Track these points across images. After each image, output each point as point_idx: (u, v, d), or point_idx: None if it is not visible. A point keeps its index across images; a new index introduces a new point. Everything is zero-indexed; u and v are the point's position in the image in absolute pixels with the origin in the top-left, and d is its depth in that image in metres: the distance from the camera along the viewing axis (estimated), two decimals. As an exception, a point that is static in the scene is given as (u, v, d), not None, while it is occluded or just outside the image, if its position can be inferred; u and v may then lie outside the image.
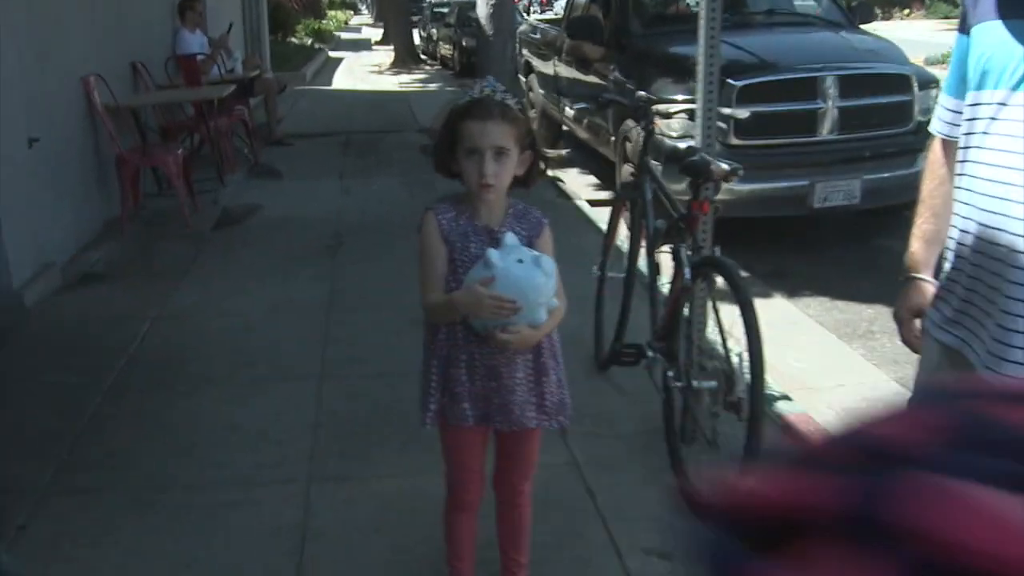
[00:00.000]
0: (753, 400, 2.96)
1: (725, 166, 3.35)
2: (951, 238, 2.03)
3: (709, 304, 3.52)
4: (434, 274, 2.46)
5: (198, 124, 8.71)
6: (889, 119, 7.25)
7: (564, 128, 11.06)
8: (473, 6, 24.05)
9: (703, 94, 3.73)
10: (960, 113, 2.09)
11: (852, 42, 7.94)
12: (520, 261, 2.27)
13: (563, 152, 3.39)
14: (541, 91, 11.25)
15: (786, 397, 4.33)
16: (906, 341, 2.24)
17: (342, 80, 19.96)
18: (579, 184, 9.49)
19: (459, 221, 2.46)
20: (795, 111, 6.93)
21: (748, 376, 3.07)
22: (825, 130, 7.00)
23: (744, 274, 3.26)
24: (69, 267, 6.04)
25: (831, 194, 6.91)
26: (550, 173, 9.58)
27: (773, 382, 3.98)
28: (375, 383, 4.46)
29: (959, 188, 2.01)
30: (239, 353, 4.84)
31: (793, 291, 6.25)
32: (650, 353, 3.71)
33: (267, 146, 10.73)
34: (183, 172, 7.37)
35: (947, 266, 2.04)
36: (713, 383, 3.27)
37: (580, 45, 9.44)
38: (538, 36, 11.68)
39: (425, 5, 36.02)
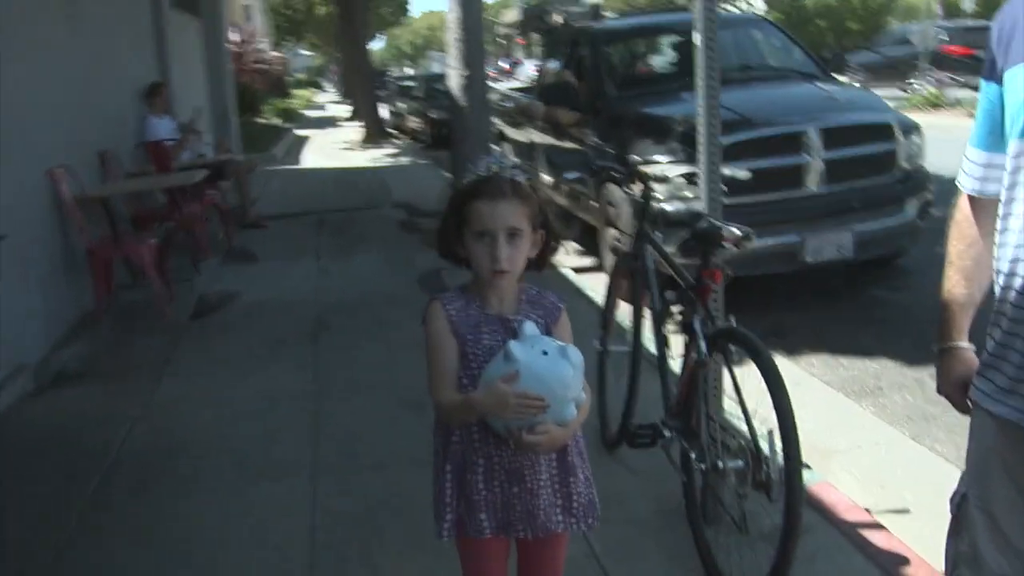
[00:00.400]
0: (790, 482, 2.74)
1: (737, 231, 3.16)
2: (1001, 300, 1.84)
3: (725, 377, 3.30)
4: (445, 371, 2.24)
5: (171, 211, 8.50)
6: (875, 168, 7.13)
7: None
8: (439, 78, 24.19)
9: (706, 155, 3.55)
10: (993, 167, 1.94)
11: (831, 93, 7.85)
12: (544, 353, 2.06)
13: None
14: (515, 159, 11.12)
15: (805, 465, 4.10)
16: (965, 411, 2.05)
17: (312, 158, 19.82)
18: (561, 251, 9.29)
19: (468, 311, 2.25)
20: (781, 166, 6.79)
21: (780, 454, 2.86)
22: (812, 183, 6.87)
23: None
24: (42, 367, 5.76)
25: (823, 248, 6.76)
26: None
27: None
28: (372, 477, 4.21)
29: (1004, 245, 1.84)
30: (227, 450, 4.58)
31: (793, 349, 6.05)
32: (667, 433, 3.49)
33: (241, 229, 10.52)
34: (157, 261, 7.14)
35: (996, 331, 1.84)
36: (739, 463, 3.04)
37: (555, 111, 9.35)
38: (510, 104, 11.61)
39: (389, 80, 36.16)
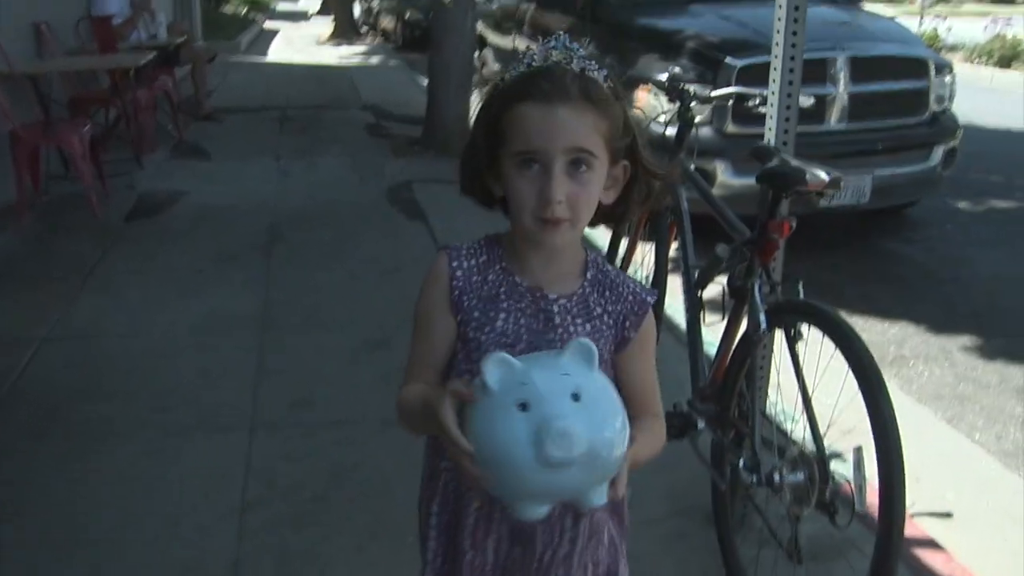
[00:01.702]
0: (890, 516, 2.05)
1: (824, 174, 2.43)
2: None
3: (779, 362, 2.59)
4: (421, 357, 1.54)
5: (113, 96, 7.60)
6: (903, 108, 6.48)
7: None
8: None
9: (782, 75, 2.81)
10: None
11: (859, 20, 7.12)
12: (575, 398, 1.25)
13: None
14: (497, 66, 10.32)
15: (836, 455, 3.42)
16: None
17: (279, 52, 18.79)
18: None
19: (487, 275, 1.53)
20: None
21: (862, 473, 2.17)
22: (834, 119, 6.18)
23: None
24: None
25: (840, 191, 6.06)
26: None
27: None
28: (323, 436, 3.47)
29: None
30: (150, 390, 3.81)
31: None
32: (701, 425, 2.78)
33: (194, 122, 9.66)
34: (90, 152, 6.30)
35: None
36: (800, 476, 2.35)
37: (545, 15, 8.55)
38: (494, 6, 10.76)
39: (365, -25, 34.92)
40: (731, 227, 2.84)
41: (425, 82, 10.22)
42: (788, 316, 2.45)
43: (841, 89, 6.13)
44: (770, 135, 3.01)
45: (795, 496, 2.37)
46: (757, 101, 3.18)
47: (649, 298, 1.55)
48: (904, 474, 2.06)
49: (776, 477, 2.39)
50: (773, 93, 2.95)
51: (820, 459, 2.32)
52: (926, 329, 5.10)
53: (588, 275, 1.54)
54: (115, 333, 4.40)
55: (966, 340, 4.96)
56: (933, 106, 6.57)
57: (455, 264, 1.53)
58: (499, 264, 1.52)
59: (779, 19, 2.98)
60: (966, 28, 18.32)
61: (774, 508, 2.52)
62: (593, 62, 1.44)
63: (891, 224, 7.02)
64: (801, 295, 2.47)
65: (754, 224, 2.64)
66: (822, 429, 2.40)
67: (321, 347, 4.24)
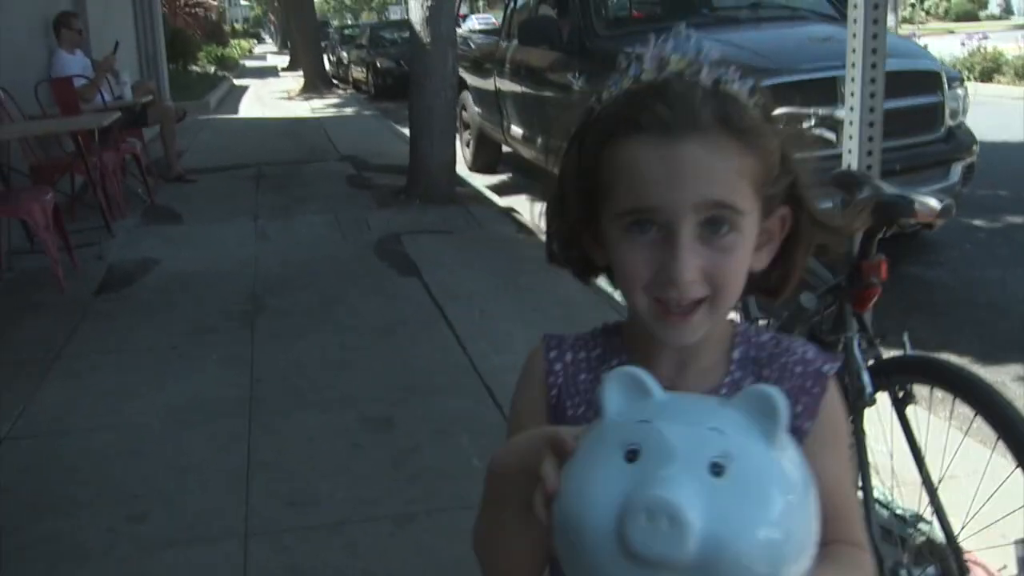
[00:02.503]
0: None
1: (934, 202, 2.01)
2: None
3: (890, 429, 2.15)
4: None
5: (78, 161, 7.16)
6: (917, 125, 6.12)
7: (504, 150, 9.94)
8: (386, 27, 23.11)
9: (862, 88, 2.40)
10: None
11: (862, 36, 6.76)
12: (716, 469, 0.78)
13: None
14: (477, 109, 9.99)
15: (919, 518, 2.94)
16: None
17: (250, 108, 18.43)
18: (536, 214, 8.12)
19: (599, 373, 1.08)
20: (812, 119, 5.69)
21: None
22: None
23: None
24: None
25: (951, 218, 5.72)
26: (500, 202, 8.29)
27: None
28: (326, 540, 2.99)
29: None
30: (123, 496, 3.28)
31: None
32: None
33: (165, 184, 9.21)
34: (55, 222, 5.84)
35: None
36: (931, 571, 1.90)
37: (529, 52, 8.21)
38: (472, 48, 10.43)
39: (332, 30, 34.97)
40: (807, 270, 2.40)
41: (403, 130, 9.87)
42: (897, 376, 2.02)
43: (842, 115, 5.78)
44: (850, 158, 2.59)
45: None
46: (813, 122, 2.78)
47: (827, 367, 1.09)
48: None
49: (902, 574, 1.94)
50: (852, 109, 2.54)
51: (955, 549, 1.88)
52: (971, 361, 4.68)
53: (735, 355, 1.10)
54: (82, 427, 3.87)
55: (1018, 369, 4.56)
56: (948, 121, 6.27)
57: (553, 355, 1.13)
58: (617, 359, 1.08)
59: (854, 34, 2.59)
60: (940, 44, 18.19)
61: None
62: (732, 69, 1.00)
63: (909, 248, 6.63)
64: (908, 348, 2.04)
65: (834, 267, 2.21)
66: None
67: (317, 431, 3.75)
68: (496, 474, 1.01)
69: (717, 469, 0.77)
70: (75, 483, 3.40)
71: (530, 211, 8.07)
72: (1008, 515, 2.06)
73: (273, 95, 21.23)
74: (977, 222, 7.25)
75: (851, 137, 2.64)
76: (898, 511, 2.50)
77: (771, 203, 1.03)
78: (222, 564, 2.87)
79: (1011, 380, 4.44)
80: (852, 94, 2.62)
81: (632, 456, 0.79)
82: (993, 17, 37.64)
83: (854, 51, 2.65)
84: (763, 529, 0.76)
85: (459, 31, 12.89)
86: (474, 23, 40.48)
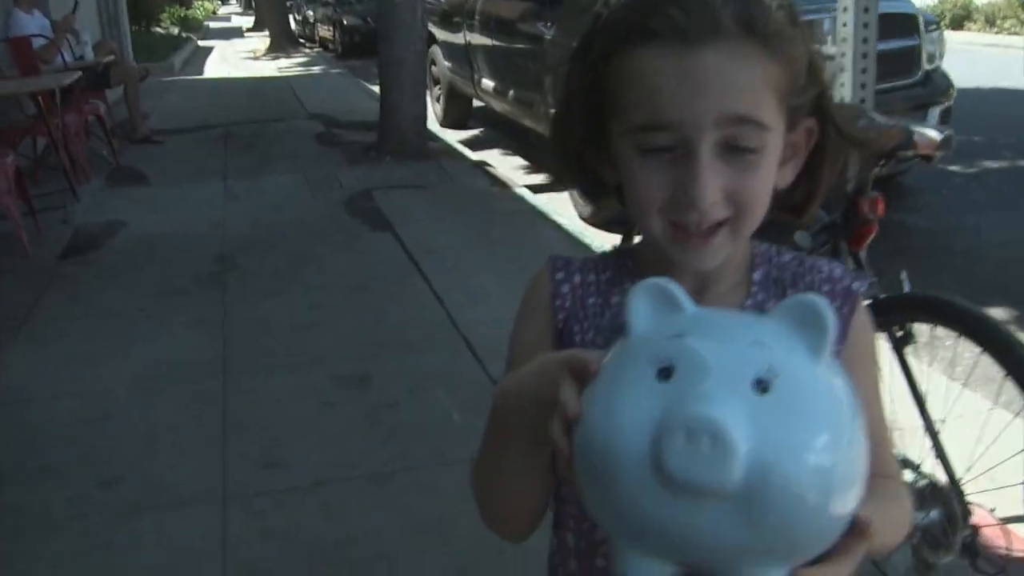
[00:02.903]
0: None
1: (935, 133, 1.93)
2: None
3: (892, 370, 2.08)
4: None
5: (40, 123, 6.97)
6: (895, 69, 6.04)
7: (475, 104, 9.81)
8: None
9: (856, 19, 2.32)
10: None
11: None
12: (761, 385, 0.68)
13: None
14: (448, 63, 9.83)
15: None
16: None
17: (215, 69, 18.13)
18: (509, 168, 8.03)
19: (610, 297, 1.03)
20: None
21: None
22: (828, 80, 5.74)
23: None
24: None
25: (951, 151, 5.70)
26: (473, 156, 8.18)
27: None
28: (303, 502, 2.90)
29: None
30: (92, 464, 3.19)
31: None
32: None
33: (131, 146, 9.00)
34: (17, 186, 5.68)
35: None
36: (934, 515, 1.83)
37: (500, 4, 8.07)
38: (441, 1, 10.24)
39: (297, -11, 34.51)
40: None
41: (372, 87, 9.71)
42: (898, 315, 1.94)
43: (831, 50, 5.69)
44: (843, 92, 2.51)
45: (929, 541, 1.86)
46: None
47: (856, 285, 1.01)
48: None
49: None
50: (844, 39, 2.46)
51: (957, 492, 1.81)
52: (952, 306, 4.64)
53: (756, 276, 1.01)
54: (48, 394, 3.77)
55: (997, 313, 4.52)
56: (925, 65, 6.22)
57: (560, 277, 1.03)
58: (629, 282, 0.95)
59: None
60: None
61: (896, 559, 2.00)
62: None
63: (888, 193, 6.57)
64: (906, 287, 1.97)
65: (828, 204, 2.12)
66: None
67: (290, 392, 3.65)
68: (502, 407, 0.92)
69: (762, 385, 0.68)
70: (42, 451, 3.30)
71: (502, 164, 7.97)
72: (1009, 459, 2.00)
73: (239, 55, 20.91)
74: (953, 168, 7.22)
75: (843, 70, 2.56)
76: (900, 456, 2.45)
77: (796, 115, 0.94)
78: (199, 529, 2.79)
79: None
80: (845, 36, 2.54)
81: (666, 374, 0.70)
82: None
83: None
84: (814, 452, 0.68)
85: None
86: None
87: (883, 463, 0.94)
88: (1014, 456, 2.01)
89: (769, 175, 0.92)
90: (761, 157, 0.90)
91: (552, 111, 1.41)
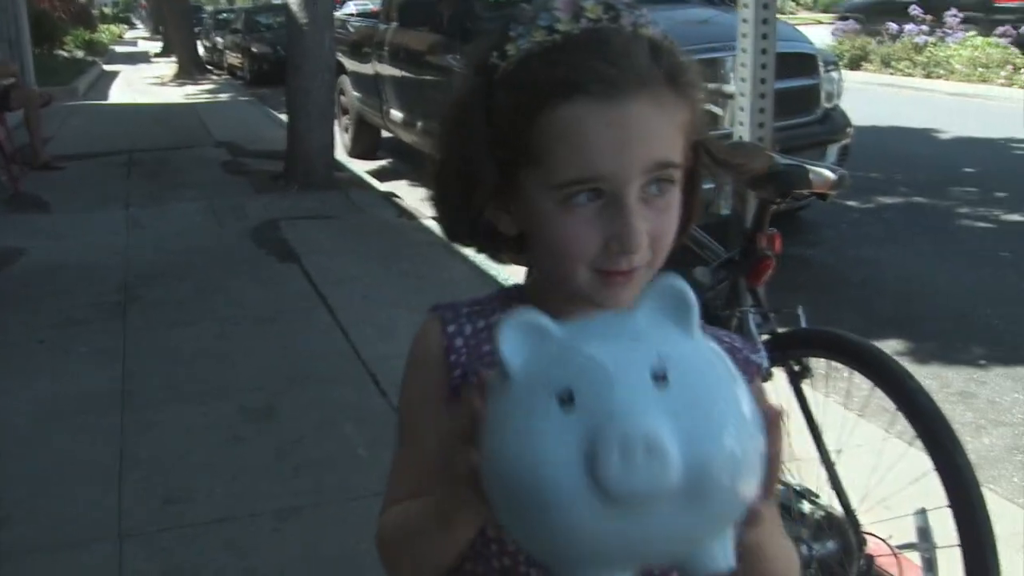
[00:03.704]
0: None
1: (829, 172, 1.99)
2: None
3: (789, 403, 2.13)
4: (412, 463, 1.02)
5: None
6: (794, 107, 6.20)
7: (383, 135, 9.79)
8: (262, 10, 22.63)
9: (754, 59, 2.39)
10: None
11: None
12: (659, 378, 0.72)
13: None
14: (356, 94, 9.82)
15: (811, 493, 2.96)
16: None
17: (121, 94, 17.83)
18: (417, 199, 8.03)
19: None
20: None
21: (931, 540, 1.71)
22: (727, 121, 5.85)
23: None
24: None
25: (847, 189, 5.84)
26: (381, 187, 8.16)
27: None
28: (206, 539, 2.85)
29: None
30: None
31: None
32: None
33: (31, 172, 8.78)
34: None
35: None
36: (831, 545, 1.88)
37: (408, 35, 8.09)
38: (351, 32, 10.24)
39: (206, 15, 34.11)
40: (699, 244, 2.36)
41: (280, 115, 9.64)
42: (794, 350, 1.99)
43: (731, 89, 5.82)
44: (741, 130, 2.57)
45: (825, 572, 1.90)
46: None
47: (756, 357, 1.05)
48: (996, 542, 1.61)
49: (803, 550, 1.91)
50: (744, 80, 2.53)
51: (853, 523, 1.86)
52: (854, 339, 4.77)
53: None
54: (-60, 428, 3.65)
55: (895, 345, 4.67)
56: (824, 103, 6.40)
57: (452, 330, 1.02)
58: None
59: (744, 19, 2.59)
60: (810, 33, 18.68)
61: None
62: (644, 12, 0.93)
63: (787, 228, 6.71)
64: (803, 322, 2.02)
65: (724, 239, 2.18)
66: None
67: (195, 425, 3.59)
68: (390, 534, 0.97)
69: (660, 378, 0.71)
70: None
71: (411, 196, 7.97)
72: (902, 489, 2.06)
73: (145, 81, 20.59)
74: (851, 203, 7.42)
75: (742, 109, 2.63)
76: (796, 487, 2.50)
77: (687, 154, 0.97)
78: (94, 569, 2.71)
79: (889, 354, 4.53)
80: (743, 76, 2.62)
81: (568, 400, 0.71)
82: (859, 6, 39.06)
83: (744, 36, 2.65)
84: (731, 424, 0.72)
85: (337, 14, 12.68)
86: (352, 7, 40.12)
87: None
88: (907, 487, 2.07)
89: (677, 209, 0.95)
90: (674, 197, 0.93)
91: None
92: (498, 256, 1.07)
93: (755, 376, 1.04)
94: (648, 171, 0.90)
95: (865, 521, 2.01)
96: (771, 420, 0.77)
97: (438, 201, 1.04)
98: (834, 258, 6.18)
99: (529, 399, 0.73)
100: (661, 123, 0.90)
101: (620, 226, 0.89)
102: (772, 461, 0.76)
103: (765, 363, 1.01)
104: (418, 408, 1.02)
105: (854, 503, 1.95)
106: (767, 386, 2.12)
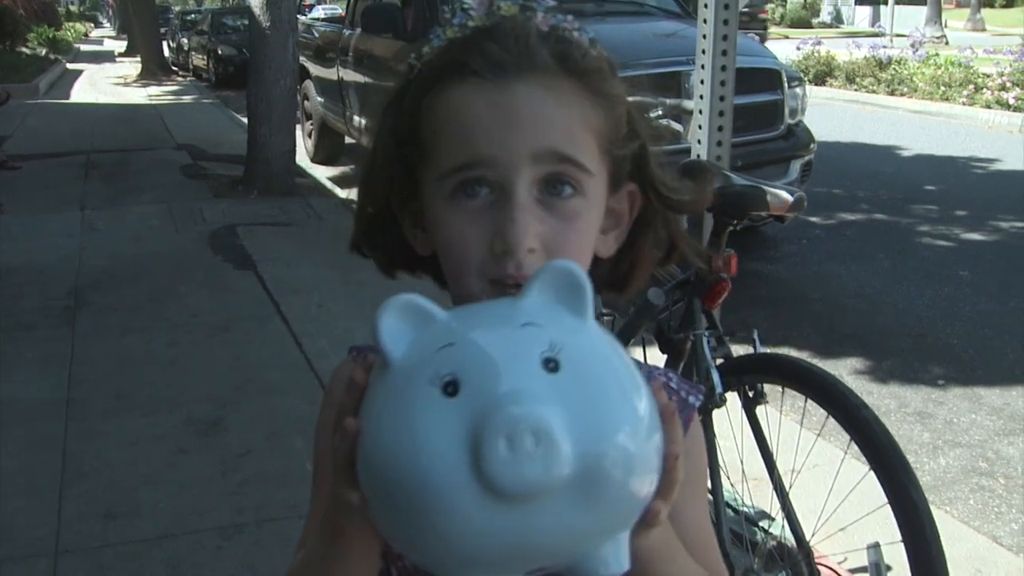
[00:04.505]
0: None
1: (786, 194, 1.95)
2: None
3: (740, 430, 2.09)
4: (323, 503, 0.91)
5: None
6: (757, 122, 6.21)
7: (347, 141, 9.70)
8: (228, 12, 22.46)
9: (712, 78, 2.36)
10: None
11: (705, 33, 6.84)
12: (549, 365, 0.67)
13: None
14: (320, 99, 9.74)
15: (765, 514, 2.91)
16: None
17: (83, 93, 17.62)
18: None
19: None
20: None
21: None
22: (689, 135, 5.84)
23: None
24: None
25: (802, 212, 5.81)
26: (342, 194, 8.07)
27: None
28: (146, 556, 2.77)
29: None
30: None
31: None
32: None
33: (-16, 172, 8.63)
34: None
35: None
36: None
37: (371, 41, 8.04)
38: (315, 36, 10.16)
39: (173, 16, 33.87)
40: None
41: (243, 119, 9.54)
42: (748, 375, 1.94)
43: (691, 105, 5.81)
44: (699, 149, 2.54)
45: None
46: (659, 111, 2.72)
47: (693, 399, 0.99)
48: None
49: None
50: (702, 97, 2.49)
51: (806, 554, 1.82)
52: (810, 355, 4.75)
53: None
54: None
55: (855, 363, 4.66)
56: (787, 119, 6.40)
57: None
58: None
59: (704, 34, 2.56)
60: (776, 48, 18.81)
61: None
62: (571, 17, 0.88)
63: (749, 243, 6.74)
64: (758, 346, 1.98)
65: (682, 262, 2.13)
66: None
67: (141, 436, 3.50)
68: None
69: (551, 365, 0.66)
70: None
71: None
72: (861, 518, 2.02)
73: (108, 80, 20.37)
74: (813, 219, 7.43)
75: (701, 127, 2.59)
76: (748, 512, 2.46)
77: (619, 173, 0.92)
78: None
79: (848, 373, 4.53)
80: (702, 92, 2.59)
81: (451, 388, 0.66)
82: (825, 24, 39.37)
83: (704, 52, 2.62)
84: (626, 414, 0.67)
85: (302, 19, 12.59)
86: (320, 12, 40.01)
87: (710, 564, 0.93)
88: (864, 516, 2.03)
89: (590, 228, 0.89)
90: (582, 205, 0.87)
91: None
92: (393, 275, 1.02)
93: (691, 419, 0.98)
94: (538, 160, 0.84)
95: (819, 541, 1.97)
96: (666, 416, 0.72)
97: (356, 210, 1.00)
98: (794, 274, 6.17)
99: (409, 386, 0.68)
100: (556, 111, 0.84)
101: (503, 219, 0.84)
102: (669, 459, 0.72)
103: (699, 404, 0.96)
104: (324, 458, 0.96)
105: (808, 531, 1.91)
106: (719, 412, 2.08)
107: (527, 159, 0.83)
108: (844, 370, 4.56)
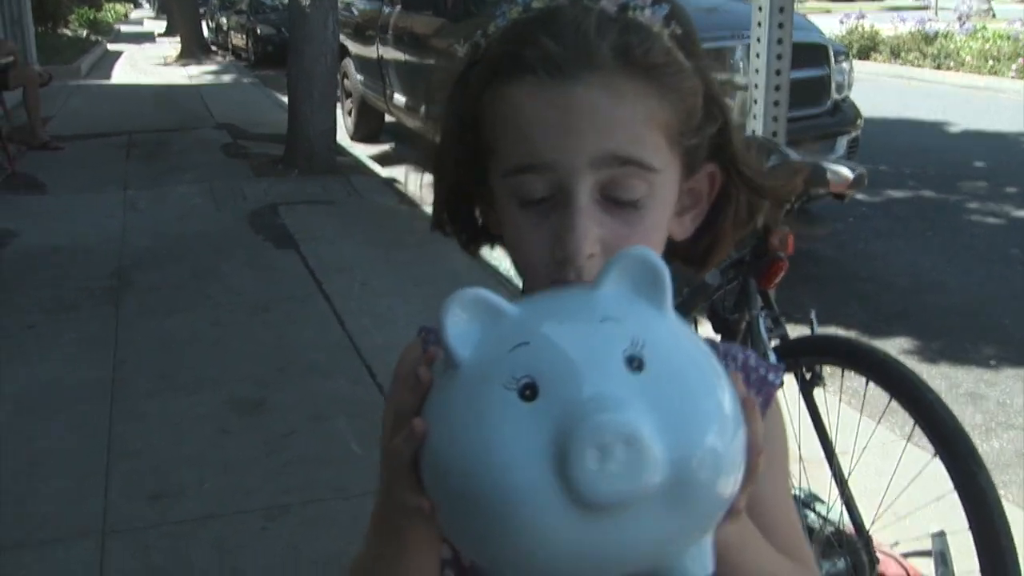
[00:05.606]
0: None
1: (847, 171, 1.89)
2: None
3: (797, 413, 2.03)
4: None
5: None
6: (804, 98, 6.07)
7: (387, 119, 9.68)
8: None
9: (768, 50, 2.29)
10: None
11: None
12: (633, 363, 0.62)
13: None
14: (360, 77, 9.71)
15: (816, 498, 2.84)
16: None
17: (123, 74, 17.69)
18: (419, 185, 7.91)
19: None
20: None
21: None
22: (735, 112, 5.75)
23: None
24: None
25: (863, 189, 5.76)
26: (383, 173, 8.05)
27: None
28: (192, 537, 2.76)
29: None
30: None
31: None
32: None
33: (28, 152, 8.68)
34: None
35: None
36: (840, 565, 1.78)
37: (412, 18, 7.98)
38: (355, 14, 10.11)
39: (211, -4, 34.04)
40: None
41: (283, 98, 9.54)
42: (807, 357, 1.89)
43: (742, 80, 5.72)
44: (755, 124, 2.47)
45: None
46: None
47: (773, 377, 0.94)
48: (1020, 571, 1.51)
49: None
50: (757, 71, 2.43)
51: (865, 541, 1.76)
52: (858, 334, 4.67)
53: None
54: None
55: (903, 343, 4.58)
56: (834, 94, 6.30)
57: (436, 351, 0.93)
58: None
59: (759, 7, 2.50)
60: (819, 23, 18.57)
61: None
62: None
63: (796, 222, 6.64)
64: (815, 327, 1.92)
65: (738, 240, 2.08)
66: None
67: (184, 417, 3.50)
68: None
69: (635, 363, 0.62)
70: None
71: (413, 182, 7.86)
72: (924, 507, 1.96)
73: (149, 61, 20.45)
74: (860, 196, 7.30)
75: (756, 102, 2.53)
76: (802, 496, 2.41)
77: (695, 157, 0.87)
78: (75, 566, 2.63)
79: (897, 353, 4.42)
80: (757, 66, 2.52)
81: (529, 392, 0.62)
82: (868, -3, 38.93)
83: (759, 25, 2.55)
84: (714, 413, 0.64)
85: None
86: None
87: (798, 550, 0.89)
88: (927, 504, 1.98)
89: (658, 225, 0.84)
90: (648, 205, 0.82)
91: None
92: (475, 253, 1.01)
93: (771, 397, 0.94)
94: (601, 165, 0.79)
95: (878, 537, 1.91)
96: (748, 408, 0.69)
97: (434, 191, 0.97)
98: (842, 252, 6.08)
99: (483, 389, 0.64)
100: (616, 112, 0.79)
101: (563, 226, 0.80)
102: (752, 453, 0.68)
103: (780, 381, 0.91)
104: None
105: (867, 519, 1.86)
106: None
107: (587, 164, 0.79)
108: (893, 350, 4.46)
